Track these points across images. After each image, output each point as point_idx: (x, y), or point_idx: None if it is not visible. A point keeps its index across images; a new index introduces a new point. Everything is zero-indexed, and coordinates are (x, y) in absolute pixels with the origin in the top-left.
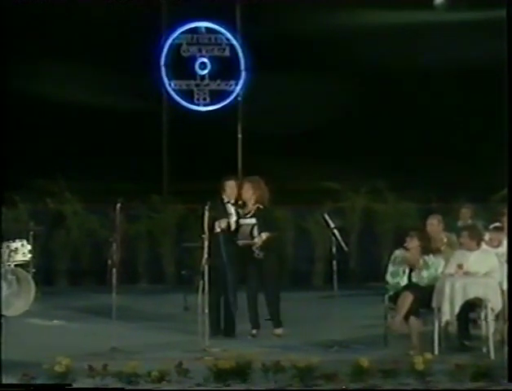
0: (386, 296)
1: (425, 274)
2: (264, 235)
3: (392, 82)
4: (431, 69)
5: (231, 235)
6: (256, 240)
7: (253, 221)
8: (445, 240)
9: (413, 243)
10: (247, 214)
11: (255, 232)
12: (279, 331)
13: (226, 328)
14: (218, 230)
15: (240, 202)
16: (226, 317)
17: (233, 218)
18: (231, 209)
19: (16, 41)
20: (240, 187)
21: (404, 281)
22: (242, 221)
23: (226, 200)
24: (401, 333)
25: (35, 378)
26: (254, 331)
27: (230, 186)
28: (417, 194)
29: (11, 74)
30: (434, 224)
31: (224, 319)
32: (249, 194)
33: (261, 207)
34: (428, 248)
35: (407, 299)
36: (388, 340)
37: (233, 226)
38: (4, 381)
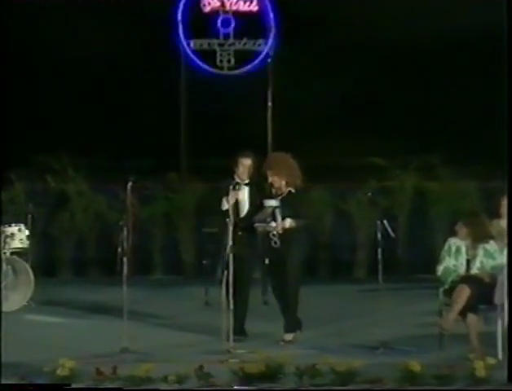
0: (441, 290)
1: (488, 264)
2: (288, 223)
3: (445, 50)
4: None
5: (242, 220)
6: (273, 225)
7: (275, 203)
8: None
9: (462, 230)
10: (276, 196)
11: (277, 216)
12: (290, 336)
13: (235, 327)
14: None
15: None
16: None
17: (245, 203)
18: (243, 191)
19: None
20: (266, 168)
21: (461, 273)
22: (266, 202)
23: (236, 180)
24: (457, 333)
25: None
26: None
27: (243, 165)
28: (477, 170)
29: (9, 36)
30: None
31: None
32: (278, 179)
33: (293, 191)
34: (482, 235)
35: (463, 293)
36: (444, 341)
37: (244, 211)
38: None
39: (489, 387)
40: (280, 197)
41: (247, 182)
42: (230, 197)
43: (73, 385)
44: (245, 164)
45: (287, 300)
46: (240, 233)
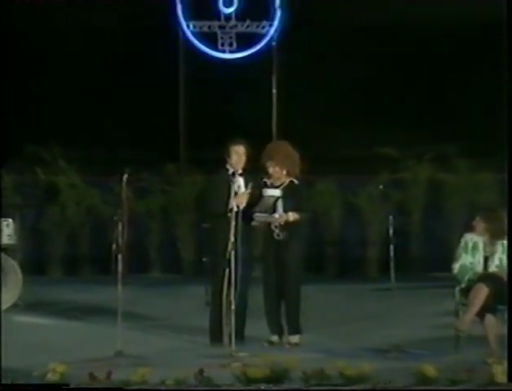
0: (457, 289)
1: (507, 261)
2: (292, 216)
3: (463, 38)
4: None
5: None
6: (276, 216)
7: (277, 193)
8: None
9: (480, 226)
10: (277, 186)
11: (279, 207)
12: (295, 338)
13: (235, 332)
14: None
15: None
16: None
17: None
18: (238, 182)
19: None
20: (265, 158)
21: (478, 271)
22: (267, 191)
23: (231, 171)
24: (475, 335)
25: None
26: (274, 338)
27: (237, 153)
28: (495, 161)
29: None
30: None
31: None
32: (280, 169)
33: (294, 181)
34: (500, 230)
35: (480, 292)
36: (460, 343)
37: (243, 204)
38: None
39: (494, 387)
40: (280, 187)
41: (241, 172)
42: (239, 199)
43: (72, 385)
44: (239, 151)
45: (291, 299)
46: (238, 227)
